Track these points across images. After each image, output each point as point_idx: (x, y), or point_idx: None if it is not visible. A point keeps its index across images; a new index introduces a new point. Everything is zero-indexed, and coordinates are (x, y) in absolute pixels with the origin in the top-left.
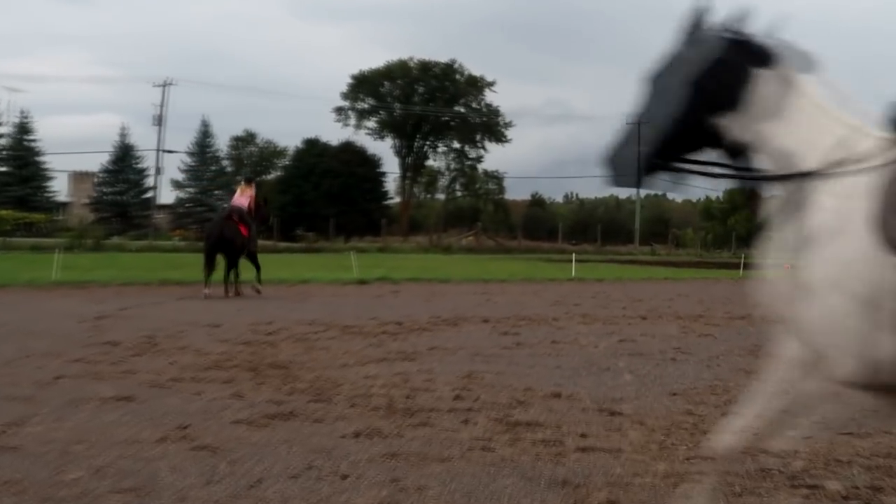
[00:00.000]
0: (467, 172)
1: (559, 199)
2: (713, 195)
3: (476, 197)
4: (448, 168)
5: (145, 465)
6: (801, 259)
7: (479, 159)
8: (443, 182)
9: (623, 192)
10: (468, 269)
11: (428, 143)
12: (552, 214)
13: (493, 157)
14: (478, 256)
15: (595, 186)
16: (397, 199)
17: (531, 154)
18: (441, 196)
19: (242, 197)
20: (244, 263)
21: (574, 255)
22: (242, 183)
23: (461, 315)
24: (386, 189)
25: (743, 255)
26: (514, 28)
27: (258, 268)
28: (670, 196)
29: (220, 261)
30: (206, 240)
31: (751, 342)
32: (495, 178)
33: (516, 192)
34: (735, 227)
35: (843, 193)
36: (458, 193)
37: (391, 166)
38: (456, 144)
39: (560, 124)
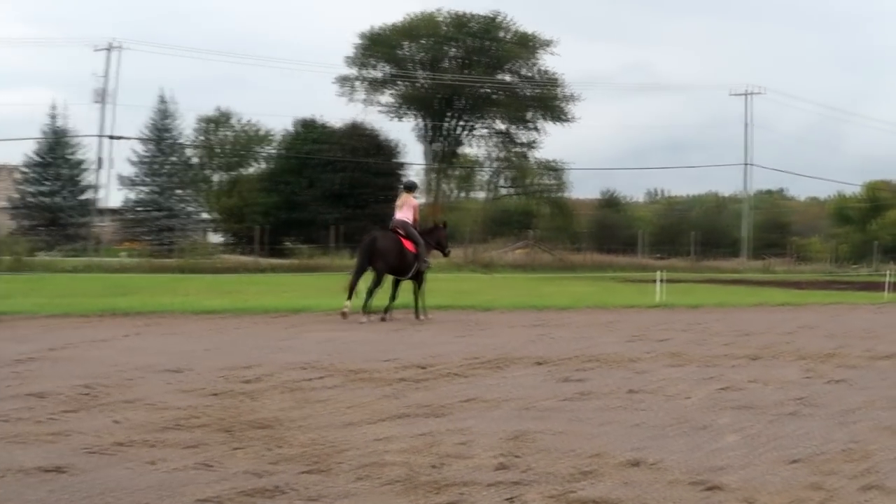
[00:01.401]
0: (516, 163)
1: (640, 198)
2: (848, 190)
3: (528, 196)
4: (490, 157)
5: None
6: None
7: (532, 145)
8: (483, 176)
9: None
10: (517, 292)
11: (463, 123)
12: (630, 219)
13: (552, 143)
14: (530, 275)
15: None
16: (422, 200)
17: (603, 138)
18: (481, 195)
19: (405, 210)
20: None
21: (660, 272)
22: (402, 191)
23: (507, 355)
24: None
25: (889, 273)
26: None
27: (417, 298)
28: (789, 193)
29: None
30: (359, 252)
31: None
32: (554, 170)
33: (583, 190)
34: (878, 235)
35: None
36: (504, 191)
37: (414, 155)
38: (501, 125)
39: (643, 97)
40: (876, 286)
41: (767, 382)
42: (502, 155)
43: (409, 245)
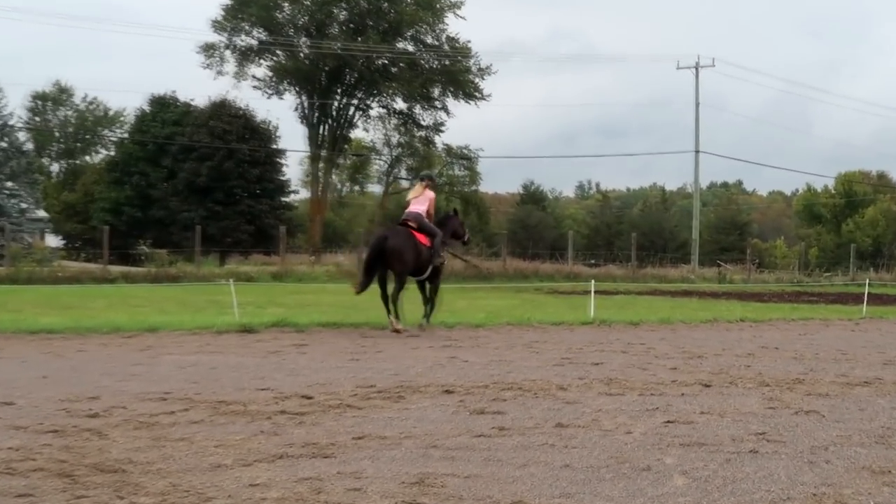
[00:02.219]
0: (419, 150)
1: (569, 192)
2: (818, 183)
3: (434, 189)
4: (389, 143)
5: None
6: None
7: (438, 128)
8: (380, 166)
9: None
10: (421, 306)
11: (355, 102)
12: (558, 218)
13: (462, 126)
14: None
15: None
16: (305, 195)
17: (524, 121)
18: (377, 188)
19: (419, 201)
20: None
21: (593, 282)
22: (417, 182)
23: (409, 382)
24: (286, 177)
25: (868, 281)
26: None
27: (432, 300)
28: (748, 186)
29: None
30: (368, 251)
31: (880, 423)
32: (465, 158)
33: (500, 183)
34: (855, 237)
35: None
36: (406, 184)
37: (295, 140)
38: (401, 104)
39: (572, 72)
40: (852, 298)
41: (722, 414)
42: (402, 140)
43: (423, 239)
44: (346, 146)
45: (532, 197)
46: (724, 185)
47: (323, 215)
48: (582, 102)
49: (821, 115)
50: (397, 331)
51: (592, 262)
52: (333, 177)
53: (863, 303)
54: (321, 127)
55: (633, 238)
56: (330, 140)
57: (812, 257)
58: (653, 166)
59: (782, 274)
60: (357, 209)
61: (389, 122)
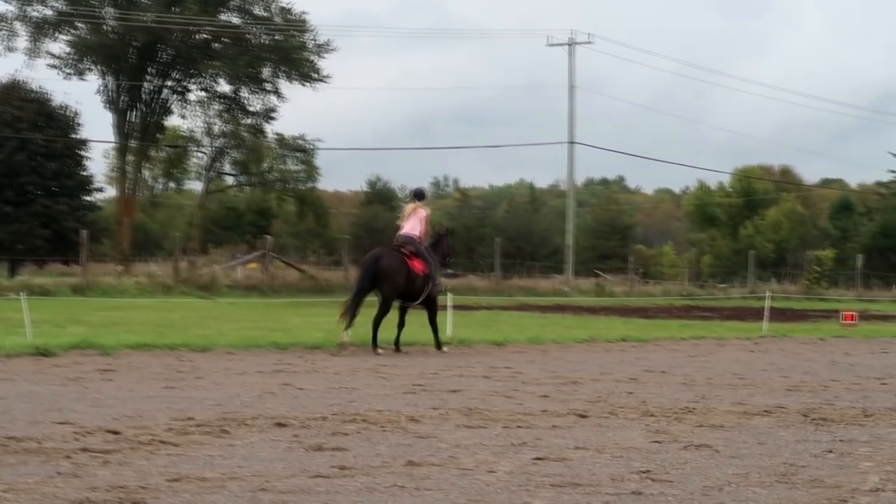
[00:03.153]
0: (247, 140)
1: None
2: (712, 179)
3: (265, 187)
4: (211, 132)
5: None
6: None
7: (269, 115)
8: (199, 159)
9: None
10: (249, 324)
11: (171, 84)
12: None
13: (298, 113)
14: (269, 300)
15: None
16: (112, 193)
17: (371, 107)
18: (198, 186)
19: (412, 222)
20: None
21: (451, 295)
22: (410, 198)
23: (234, 414)
24: (89, 173)
25: (770, 294)
26: None
27: (435, 327)
28: (631, 183)
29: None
30: (359, 272)
31: (782, 459)
32: (301, 150)
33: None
34: (754, 242)
35: None
36: (231, 180)
37: (101, 128)
38: (224, 87)
39: (427, 49)
40: (751, 313)
41: (601, 449)
42: (227, 129)
43: (417, 265)
44: (160, 136)
45: (379, 195)
46: (604, 181)
47: (132, 217)
48: (439, 85)
49: (717, 102)
50: (342, 344)
51: (449, 271)
52: (145, 172)
53: (763, 319)
54: (130, 113)
55: (496, 244)
56: (141, 129)
57: (705, 266)
58: (521, 160)
59: (670, 285)
60: (173, 210)
61: (211, 108)
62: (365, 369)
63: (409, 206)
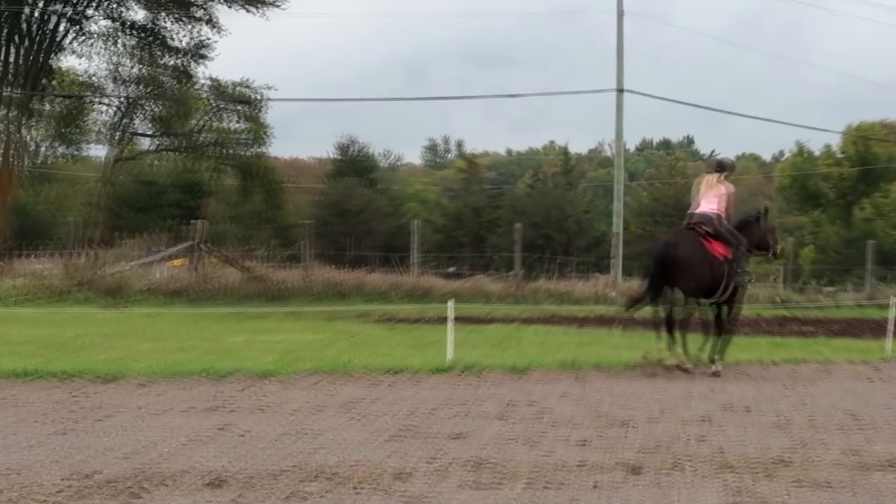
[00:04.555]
0: (169, 88)
1: (413, 156)
2: (820, 142)
3: (194, 153)
4: (119, 77)
5: None
6: None
7: (200, 53)
8: (105, 114)
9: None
10: (171, 345)
11: (65, 9)
12: (394, 197)
13: (242, 51)
14: (199, 310)
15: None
16: None
17: (344, 40)
18: (101, 152)
19: (710, 198)
20: None
21: (453, 302)
22: (708, 172)
23: (150, 468)
24: None
25: None
26: None
27: (728, 328)
28: (704, 149)
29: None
30: (651, 260)
31: None
32: (244, 102)
33: (303, 141)
34: (875, 228)
35: None
36: (148, 144)
37: None
38: (139, 14)
39: None
40: (870, 327)
41: None
42: (143, 72)
43: (718, 249)
44: (47, 82)
45: (353, 165)
46: (665, 144)
47: (10, 196)
48: (437, 11)
49: (823, 32)
50: (686, 370)
51: (451, 269)
52: (27, 133)
53: (887, 336)
54: (9, 51)
55: (516, 231)
56: (24, 73)
57: (806, 261)
58: (550, 115)
59: (758, 289)
60: (67, 186)
61: (120, 43)
62: (334, 406)
63: (708, 178)
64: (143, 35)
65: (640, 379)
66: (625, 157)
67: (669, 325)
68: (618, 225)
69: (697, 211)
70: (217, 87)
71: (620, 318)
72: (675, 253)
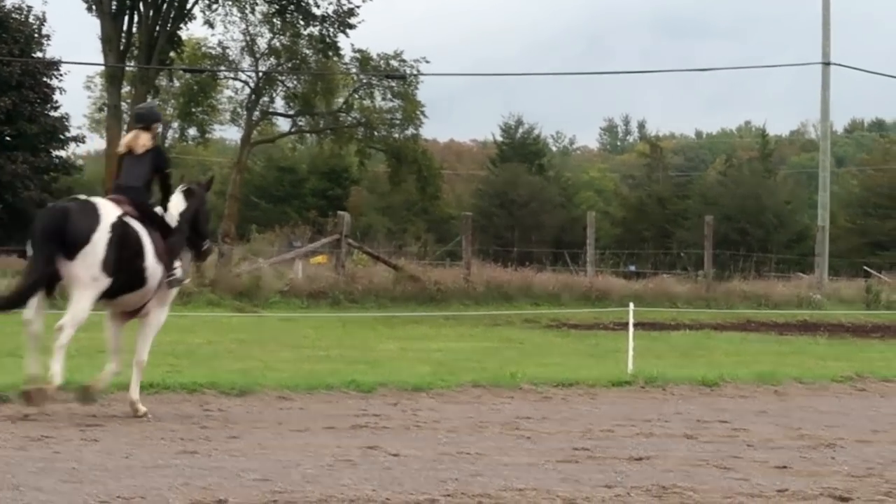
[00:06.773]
0: (310, 61)
1: (589, 139)
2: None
3: (338, 136)
4: (253, 49)
5: None
6: None
7: (345, 22)
8: (237, 92)
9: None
10: (312, 354)
11: None
12: (567, 186)
13: (391, 20)
14: (344, 314)
15: (703, 102)
16: (98, 143)
17: (508, 9)
18: (232, 135)
19: None
20: None
21: (633, 306)
22: None
23: (288, 494)
24: (60, 113)
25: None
26: None
27: None
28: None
29: None
30: None
31: None
32: (398, 77)
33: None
34: None
35: None
36: (285, 126)
37: (78, 44)
38: None
39: None
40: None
41: None
42: (281, 43)
43: None
44: (174, 55)
45: (521, 149)
46: (879, 125)
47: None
48: None
49: None
50: None
51: (631, 268)
52: (162, 109)
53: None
54: (126, 19)
55: (706, 225)
56: (144, 44)
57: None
58: (745, 93)
59: None
60: (194, 172)
61: (256, 10)
62: (497, 424)
63: None
64: (281, 1)
65: (848, 395)
66: (832, 139)
67: None
68: (823, 218)
69: None
70: (364, 60)
71: (826, 323)
72: None
